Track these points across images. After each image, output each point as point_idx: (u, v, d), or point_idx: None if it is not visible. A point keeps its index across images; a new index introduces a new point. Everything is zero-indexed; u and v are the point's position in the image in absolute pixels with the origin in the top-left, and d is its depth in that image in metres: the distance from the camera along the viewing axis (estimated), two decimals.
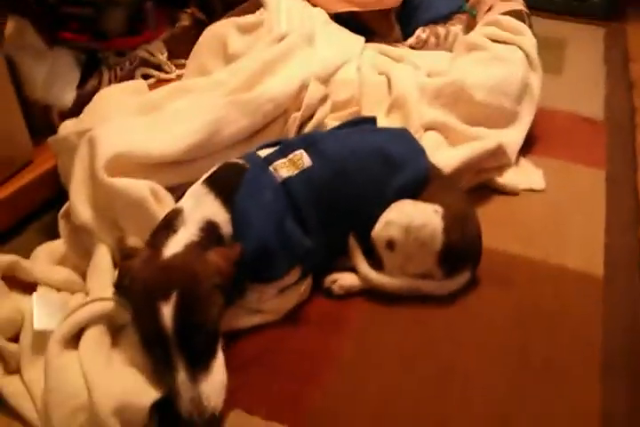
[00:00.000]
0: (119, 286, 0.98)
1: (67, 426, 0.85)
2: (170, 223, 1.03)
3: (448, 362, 1.11)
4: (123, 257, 1.00)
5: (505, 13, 2.01)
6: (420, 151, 1.29)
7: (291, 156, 1.18)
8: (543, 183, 1.59)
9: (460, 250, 1.20)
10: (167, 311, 0.89)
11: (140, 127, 1.26)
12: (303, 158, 1.17)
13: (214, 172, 1.15)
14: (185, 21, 2.07)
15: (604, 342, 1.16)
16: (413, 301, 1.22)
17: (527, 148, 1.73)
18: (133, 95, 1.44)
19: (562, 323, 1.20)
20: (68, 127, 1.42)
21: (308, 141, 1.21)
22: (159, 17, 1.88)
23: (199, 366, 0.91)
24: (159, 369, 0.94)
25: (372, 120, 1.37)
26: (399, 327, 1.18)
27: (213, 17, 2.07)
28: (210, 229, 1.03)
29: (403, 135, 1.32)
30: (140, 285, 0.93)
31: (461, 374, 1.09)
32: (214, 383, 0.91)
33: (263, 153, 1.20)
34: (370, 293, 1.23)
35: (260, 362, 1.09)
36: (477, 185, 1.55)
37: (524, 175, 1.60)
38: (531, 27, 2.01)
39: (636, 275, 1.35)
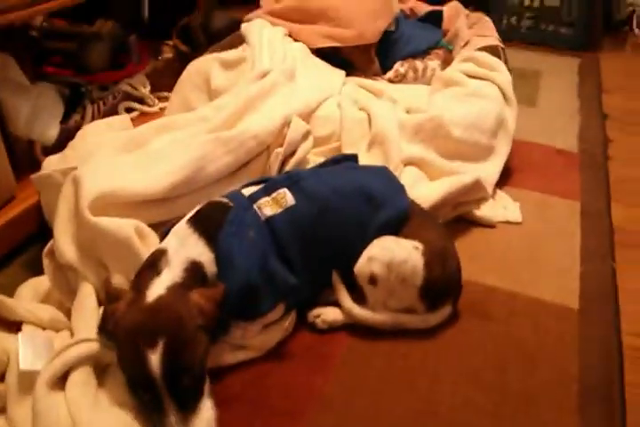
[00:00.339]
0: (103, 329, 0.98)
1: None
2: (153, 264, 1.04)
3: (428, 397, 1.12)
4: (108, 299, 1.01)
5: (481, 49, 2.08)
6: (399, 189, 1.32)
7: (274, 194, 1.20)
8: (520, 216, 1.63)
9: (441, 285, 1.23)
10: (154, 358, 0.90)
11: (124, 166, 1.28)
12: (287, 197, 1.19)
13: (198, 211, 1.16)
14: (168, 54, 2.11)
15: (581, 374, 1.19)
16: (394, 334, 1.24)
17: (504, 180, 1.78)
18: (117, 131, 1.46)
19: (539, 356, 1.22)
20: (52, 163, 1.43)
21: (292, 180, 1.23)
22: (142, 50, 1.91)
23: (188, 407, 0.92)
24: (146, 410, 0.95)
25: (354, 158, 1.41)
26: (380, 361, 1.19)
27: (197, 49, 2.11)
28: (194, 269, 1.05)
29: (383, 173, 1.35)
30: (125, 330, 0.94)
31: (443, 410, 1.10)
32: (203, 423, 0.93)
33: (247, 191, 1.22)
34: (352, 326, 1.24)
35: (243, 398, 1.10)
36: (455, 218, 1.59)
37: (500, 208, 1.64)
38: (506, 62, 2.08)
39: (609, 305, 1.39)
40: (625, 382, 1.18)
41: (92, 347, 0.97)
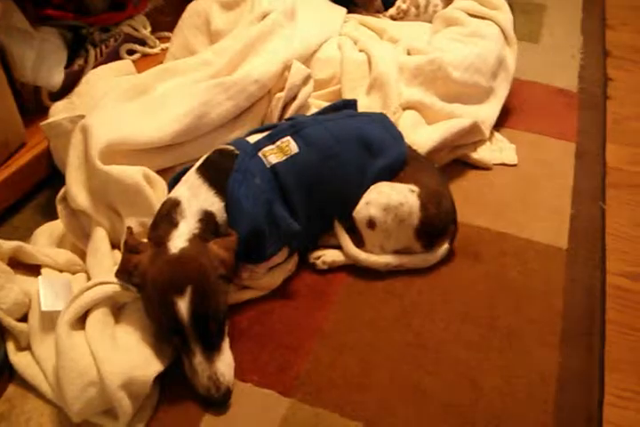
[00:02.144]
0: (122, 275, 1.06)
1: (78, 400, 0.94)
2: (169, 216, 1.10)
3: (420, 332, 1.21)
4: (128, 250, 1.07)
5: None
6: (397, 136, 1.37)
7: (279, 142, 1.24)
8: (515, 158, 1.67)
9: (437, 224, 1.30)
10: (183, 305, 0.99)
11: (130, 114, 1.31)
12: (291, 145, 1.24)
13: (206, 159, 1.21)
14: None
15: (565, 311, 1.27)
16: (390, 274, 1.32)
17: (501, 121, 1.80)
18: (121, 76, 1.49)
19: (526, 294, 1.30)
20: (58, 109, 1.47)
21: (295, 128, 1.27)
22: None
23: (213, 347, 1.03)
24: (167, 348, 1.06)
25: (353, 104, 1.43)
26: (376, 300, 1.28)
27: None
28: (207, 219, 1.11)
29: (381, 120, 1.39)
30: (154, 281, 1.01)
31: (433, 343, 1.19)
32: (226, 361, 1.05)
33: (252, 139, 1.26)
34: (350, 267, 1.33)
35: (249, 333, 1.19)
36: (452, 160, 1.64)
37: (497, 150, 1.68)
38: None
39: (596, 246, 1.46)
40: (606, 319, 1.26)
41: (109, 289, 1.04)
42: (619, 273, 1.38)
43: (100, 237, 1.19)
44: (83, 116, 1.31)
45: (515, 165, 1.67)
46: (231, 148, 1.23)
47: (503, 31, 1.83)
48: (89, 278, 1.17)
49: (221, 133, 1.40)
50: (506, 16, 1.85)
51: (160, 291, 1.00)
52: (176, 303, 0.98)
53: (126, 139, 1.24)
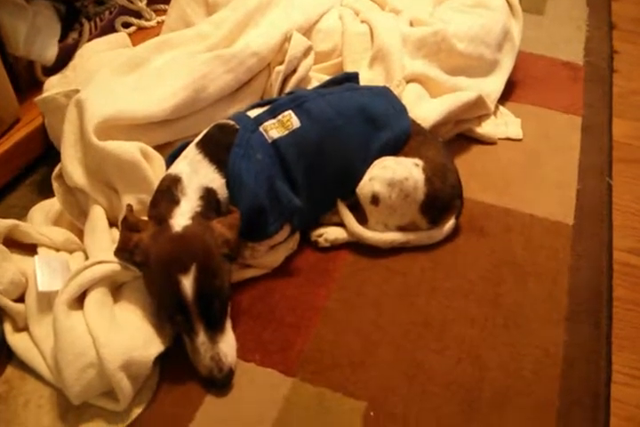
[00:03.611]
0: (121, 253, 1.03)
1: (77, 382, 0.93)
2: (170, 193, 1.07)
3: (424, 311, 1.20)
4: (128, 228, 1.04)
5: None
6: (401, 110, 1.33)
7: (280, 117, 1.21)
8: (520, 133, 1.64)
9: (442, 199, 1.28)
10: (187, 283, 0.96)
11: (126, 88, 1.27)
12: (292, 119, 1.20)
13: (206, 134, 1.17)
14: None
15: (570, 288, 1.25)
16: (393, 251, 1.30)
17: (506, 95, 1.76)
18: (116, 50, 1.44)
19: (531, 271, 1.28)
20: (53, 84, 1.43)
21: (296, 102, 1.23)
22: None
23: (216, 327, 1.01)
24: (172, 329, 1.04)
25: (355, 77, 1.39)
26: (379, 277, 1.26)
27: None
28: (209, 197, 1.09)
29: (384, 94, 1.36)
30: (158, 259, 0.99)
31: (437, 321, 1.18)
32: (229, 342, 1.03)
33: (253, 113, 1.22)
34: (353, 244, 1.30)
35: (251, 312, 1.17)
36: (456, 135, 1.60)
37: (502, 124, 1.64)
38: None
39: (603, 220, 1.43)
40: (613, 296, 1.24)
41: (107, 268, 1.02)
42: (626, 250, 1.36)
43: (98, 216, 1.17)
44: (77, 91, 1.27)
45: (520, 140, 1.64)
46: (231, 122, 1.19)
47: (508, 1, 1.78)
48: (87, 258, 1.14)
49: (221, 108, 1.36)
50: None
51: (164, 269, 0.98)
52: (180, 282, 0.96)
53: (123, 113, 1.21)
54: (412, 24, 1.70)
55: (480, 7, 1.72)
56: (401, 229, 1.29)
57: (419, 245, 1.30)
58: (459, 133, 1.61)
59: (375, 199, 1.24)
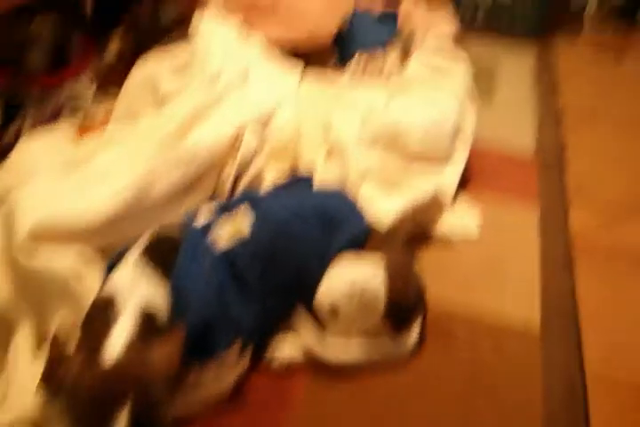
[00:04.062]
0: (47, 388, 0.90)
1: None
2: (103, 314, 0.94)
3: None
4: (53, 358, 0.91)
5: (439, 39, 2.04)
6: (358, 210, 1.28)
7: (230, 220, 1.13)
8: (477, 231, 1.60)
9: (406, 304, 1.20)
10: (123, 422, 0.83)
11: (64, 189, 1.18)
12: (244, 222, 1.13)
13: (149, 239, 1.08)
14: (114, 48, 1.98)
15: (544, 398, 1.17)
16: (356, 369, 1.19)
17: (461, 187, 1.73)
18: (58, 145, 1.36)
19: (502, 382, 1.20)
20: None
21: (249, 204, 1.16)
22: (86, 47, 1.78)
23: None
24: None
25: (309, 178, 1.35)
26: (344, 398, 1.14)
27: (145, 43, 1.99)
28: (148, 316, 0.96)
29: (341, 195, 1.31)
30: (87, 396, 0.85)
31: None
32: None
33: (201, 217, 1.15)
34: (312, 362, 1.18)
35: None
36: (415, 233, 1.55)
37: (460, 220, 1.60)
38: (464, 51, 2.04)
39: (570, 321, 1.38)
40: (589, 410, 1.17)
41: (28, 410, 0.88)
42: (597, 359, 1.29)
43: (21, 348, 1.03)
44: (10, 193, 1.17)
45: (479, 237, 1.60)
46: (177, 228, 1.11)
47: (462, 87, 1.79)
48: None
49: (167, 209, 1.28)
50: (465, 69, 1.84)
51: (93, 408, 0.85)
52: (114, 420, 0.84)
53: (57, 221, 1.11)
54: (366, 117, 1.69)
55: (434, 97, 1.72)
56: (363, 333, 1.20)
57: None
58: (417, 231, 1.55)
59: (334, 311, 1.15)
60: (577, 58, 2.92)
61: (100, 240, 1.19)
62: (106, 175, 1.23)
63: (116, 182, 1.21)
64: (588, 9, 3.33)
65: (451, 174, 1.65)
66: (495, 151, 2.02)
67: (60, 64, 1.63)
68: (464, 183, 1.77)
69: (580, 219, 1.74)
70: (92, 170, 1.26)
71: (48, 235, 1.10)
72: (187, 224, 1.13)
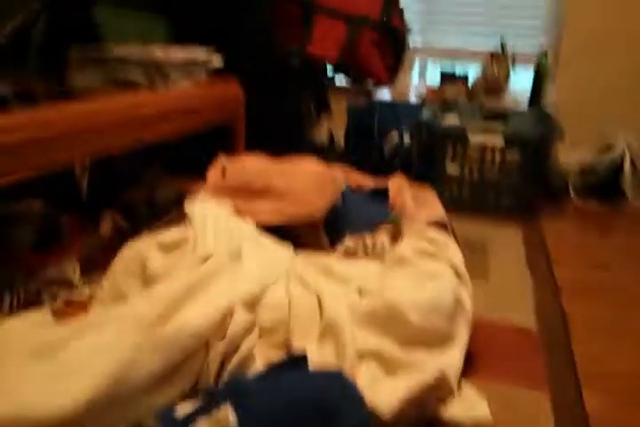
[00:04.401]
0: None
1: None
2: None
3: None
4: None
5: (428, 223, 2.06)
6: (358, 398, 1.16)
7: (214, 413, 1.03)
8: (489, 415, 1.46)
9: None
10: None
11: (32, 380, 1.08)
12: (229, 417, 1.02)
13: None
14: (105, 231, 1.99)
15: None
16: None
17: (466, 369, 1.62)
18: (33, 330, 1.28)
19: None
20: None
21: (236, 395, 1.06)
22: (75, 229, 1.80)
23: None
24: None
25: (304, 359, 1.25)
26: None
27: (138, 225, 2.01)
28: None
29: (338, 379, 1.20)
30: None
31: None
32: None
33: (182, 409, 1.04)
34: None
35: None
36: (420, 420, 1.41)
37: (468, 406, 1.47)
38: (454, 234, 2.06)
39: None
40: None
41: None
42: None
43: None
44: None
45: (490, 425, 1.46)
46: (153, 422, 0.99)
47: (455, 270, 1.76)
48: None
49: (145, 398, 1.16)
50: (456, 255, 1.80)
51: None
52: None
53: (21, 415, 0.99)
54: (360, 293, 1.64)
55: (429, 276, 1.68)
56: None
57: None
58: (422, 419, 1.42)
59: None
60: (565, 230, 2.98)
61: None
62: (79, 365, 1.13)
63: (90, 372, 1.11)
64: (571, 184, 3.50)
65: (454, 354, 1.56)
66: (496, 326, 1.95)
67: (48, 243, 1.62)
68: (469, 364, 1.66)
69: (593, 400, 1.62)
70: (66, 357, 1.16)
71: None
72: (165, 416, 1.01)
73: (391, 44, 3.40)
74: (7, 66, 2.45)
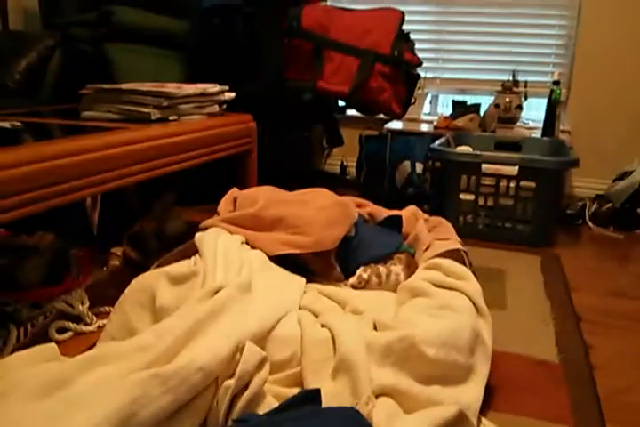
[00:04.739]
0: None
1: None
2: None
3: None
4: None
5: (444, 254, 2.01)
6: None
7: None
8: None
9: None
10: None
11: (36, 419, 1.04)
12: None
13: None
14: (115, 262, 1.98)
15: None
16: None
17: (485, 403, 1.56)
18: (40, 364, 1.25)
19: None
20: None
21: None
22: (84, 261, 1.78)
23: None
24: None
25: (317, 395, 1.20)
26: None
27: (148, 257, 1.99)
28: None
29: (353, 417, 1.15)
30: None
31: None
32: None
33: None
34: None
35: None
36: None
37: None
38: (470, 265, 2.01)
39: None
40: None
41: None
42: None
43: None
44: None
45: None
46: None
47: (473, 302, 1.71)
48: None
49: None
50: (474, 287, 1.75)
51: None
52: None
53: None
54: (375, 327, 1.59)
55: (445, 309, 1.63)
56: None
57: None
58: None
59: None
60: (582, 257, 2.93)
61: None
62: (84, 403, 1.10)
63: (95, 411, 1.07)
64: (587, 211, 3.46)
65: (473, 389, 1.50)
66: (517, 358, 1.89)
67: (56, 277, 1.60)
68: (488, 398, 1.61)
69: None
70: (69, 395, 1.12)
71: None
72: None
73: (402, 76, 3.41)
74: (21, 100, 2.48)
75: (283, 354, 1.45)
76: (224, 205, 2.19)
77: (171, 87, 2.27)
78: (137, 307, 1.53)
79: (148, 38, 3.11)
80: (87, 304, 1.66)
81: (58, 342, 1.50)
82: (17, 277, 1.53)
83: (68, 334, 1.59)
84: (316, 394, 1.21)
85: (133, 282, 1.60)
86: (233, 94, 2.55)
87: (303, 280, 1.88)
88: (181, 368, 1.19)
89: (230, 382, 1.26)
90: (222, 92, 2.49)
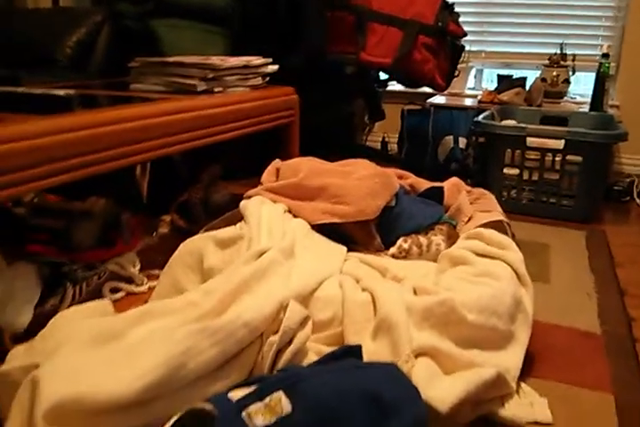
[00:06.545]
0: None
1: None
2: None
3: None
4: None
5: (486, 225, 2.02)
6: (413, 393, 1.14)
7: (267, 399, 1.02)
8: (549, 415, 1.42)
9: None
10: None
11: (92, 364, 1.11)
12: (282, 403, 1.01)
13: (176, 423, 0.97)
14: (164, 229, 2.04)
15: None
16: None
17: (525, 370, 1.58)
18: (94, 318, 1.32)
19: None
20: (17, 355, 1.27)
21: (289, 382, 1.06)
22: (135, 227, 1.84)
23: None
24: None
25: (358, 351, 1.24)
26: None
27: (195, 225, 2.05)
28: None
29: (393, 373, 1.18)
30: None
31: None
32: None
33: (236, 395, 1.04)
34: None
35: None
36: (477, 418, 1.38)
37: (527, 405, 1.43)
38: (513, 237, 2.00)
39: None
40: None
41: None
42: None
43: None
44: (37, 365, 1.10)
45: (550, 425, 1.41)
46: (209, 407, 1.00)
47: (515, 271, 1.71)
48: None
49: (200, 386, 1.17)
50: (516, 256, 1.75)
51: None
52: None
53: (82, 397, 1.02)
54: (415, 292, 1.61)
55: (487, 276, 1.64)
56: None
57: None
58: (479, 416, 1.38)
59: None
60: (628, 233, 2.89)
61: (125, 421, 1.08)
62: (137, 352, 1.16)
63: (147, 360, 1.13)
64: (635, 187, 3.39)
65: (513, 354, 1.51)
66: (559, 329, 1.89)
67: (108, 242, 1.67)
68: (529, 365, 1.62)
69: None
70: (123, 345, 1.19)
71: (70, 413, 1.00)
72: (219, 398, 1.02)
73: (446, 48, 3.37)
74: (71, 74, 2.56)
75: (324, 314, 1.49)
76: (267, 175, 2.22)
77: (215, 60, 2.31)
78: (185, 268, 1.59)
79: (193, 14, 3.14)
80: (138, 266, 1.73)
81: (111, 301, 1.57)
82: (71, 239, 1.60)
83: (121, 293, 1.67)
84: (357, 349, 1.24)
85: (182, 245, 1.66)
86: (276, 67, 2.57)
87: (344, 248, 1.91)
88: (228, 323, 1.24)
89: (275, 337, 1.30)
90: (265, 64, 2.51)
